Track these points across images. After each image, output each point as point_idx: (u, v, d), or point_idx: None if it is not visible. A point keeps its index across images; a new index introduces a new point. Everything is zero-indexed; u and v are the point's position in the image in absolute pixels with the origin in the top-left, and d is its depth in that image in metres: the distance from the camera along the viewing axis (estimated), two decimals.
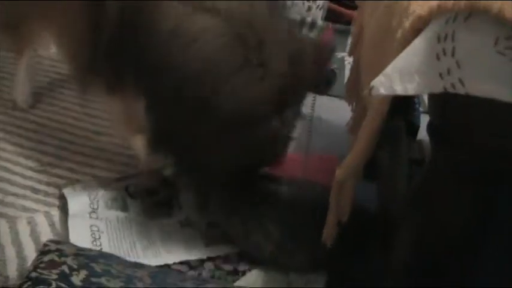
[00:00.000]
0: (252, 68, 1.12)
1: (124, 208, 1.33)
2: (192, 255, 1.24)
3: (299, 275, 1.21)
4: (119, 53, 1.21)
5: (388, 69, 0.72)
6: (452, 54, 0.71)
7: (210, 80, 1.11)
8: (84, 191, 1.34)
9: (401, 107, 1.35)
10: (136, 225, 1.29)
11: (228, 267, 1.23)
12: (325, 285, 1.19)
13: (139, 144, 1.43)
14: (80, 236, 1.22)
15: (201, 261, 1.23)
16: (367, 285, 1.12)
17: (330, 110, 1.62)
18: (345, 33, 2.12)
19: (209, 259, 1.24)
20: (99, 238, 1.23)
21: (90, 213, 1.28)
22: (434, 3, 0.70)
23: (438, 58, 0.71)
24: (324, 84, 1.45)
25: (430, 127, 0.89)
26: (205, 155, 1.20)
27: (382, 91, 0.72)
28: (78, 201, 1.31)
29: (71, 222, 1.25)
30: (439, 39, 0.71)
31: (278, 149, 1.25)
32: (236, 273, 1.22)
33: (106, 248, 1.21)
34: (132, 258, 1.19)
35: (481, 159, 0.82)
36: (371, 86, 0.73)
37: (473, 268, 0.88)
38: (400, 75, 0.71)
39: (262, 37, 1.13)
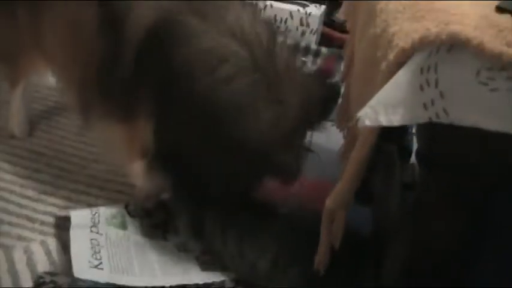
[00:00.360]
0: (273, 104, 1.15)
1: (123, 226, 1.34)
2: (188, 280, 1.24)
3: None
4: (139, 76, 1.23)
5: (373, 101, 0.73)
6: (436, 85, 0.73)
7: (234, 109, 1.14)
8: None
9: (394, 131, 1.36)
10: (134, 244, 1.30)
11: None
12: None
13: (137, 171, 1.45)
14: (80, 248, 1.23)
15: (197, 287, 1.23)
16: None
17: (323, 135, 1.63)
18: (338, 58, 2.13)
19: (205, 285, 1.24)
20: (99, 252, 1.24)
21: (91, 227, 1.29)
22: (417, 36, 0.72)
23: (422, 89, 0.73)
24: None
25: (418, 154, 0.90)
26: (210, 180, 1.22)
27: (368, 123, 0.73)
28: (80, 214, 1.33)
29: (72, 234, 1.26)
30: (422, 71, 0.73)
31: (287, 178, 1.26)
32: None
33: (105, 263, 1.22)
34: (129, 276, 1.21)
35: (468, 183, 0.83)
36: (357, 117, 0.74)
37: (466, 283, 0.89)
38: (385, 107, 0.73)
39: (281, 74, 1.16)
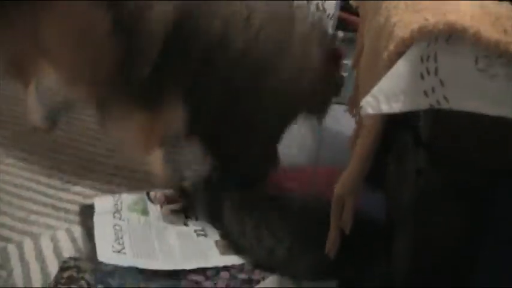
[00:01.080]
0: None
1: (144, 212, 1.39)
2: (208, 263, 1.28)
3: (311, 282, 1.24)
4: (166, 68, 1.29)
5: (375, 90, 0.76)
6: (436, 74, 0.75)
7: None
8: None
9: (408, 118, 1.38)
10: (155, 229, 1.34)
11: (242, 276, 1.27)
12: None
13: (157, 160, 1.49)
14: (104, 234, 1.28)
15: (217, 271, 1.27)
16: None
17: (338, 119, 1.65)
18: (354, 41, 2.14)
19: (224, 268, 1.28)
20: (122, 237, 1.29)
21: (114, 213, 1.35)
22: (416, 26, 0.74)
23: (422, 77, 0.76)
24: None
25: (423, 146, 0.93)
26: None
27: (370, 111, 0.76)
28: (104, 200, 1.38)
29: (96, 220, 1.31)
30: (422, 60, 0.75)
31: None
32: (250, 283, 1.25)
33: (128, 248, 1.26)
34: (151, 260, 1.25)
35: (470, 176, 0.86)
36: (360, 106, 0.77)
37: (470, 274, 0.92)
38: (386, 96, 0.75)
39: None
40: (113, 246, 1.25)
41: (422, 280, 0.94)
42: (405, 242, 0.98)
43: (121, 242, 1.27)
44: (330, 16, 2.38)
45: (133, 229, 1.32)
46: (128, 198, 1.40)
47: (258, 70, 1.28)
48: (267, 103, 1.29)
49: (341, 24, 2.42)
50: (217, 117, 1.33)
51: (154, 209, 1.41)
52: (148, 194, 1.44)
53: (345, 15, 2.40)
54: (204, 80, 1.30)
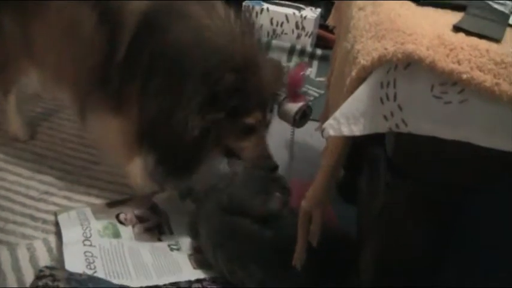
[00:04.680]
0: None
1: (116, 235, 1.40)
2: (181, 277, 1.31)
3: None
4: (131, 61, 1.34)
5: (337, 113, 0.81)
6: (395, 99, 0.80)
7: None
8: (77, 220, 1.41)
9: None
10: (128, 249, 1.36)
11: (215, 287, 1.29)
12: None
13: (134, 170, 1.52)
14: (74, 262, 1.28)
15: (190, 283, 1.30)
16: None
17: (311, 134, 1.69)
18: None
19: (197, 281, 1.30)
20: (93, 262, 1.29)
21: (83, 241, 1.34)
22: (376, 54, 0.79)
23: (382, 102, 0.81)
24: (300, 117, 1.53)
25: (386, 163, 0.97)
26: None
27: (332, 133, 0.81)
28: (72, 231, 1.37)
29: (65, 250, 1.31)
30: (382, 86, 0.80)
31: None
32: None
33: (100, 271, 1.27)
34: (125, 279, 1.26)
35: (431, 190, 0.90)
36: (322, 128, 0.81)
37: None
38: (347, 119, 0.80)
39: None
40: (83, 272, 1.25)
41: None
42: (372, 253, 1.02)
43: (93, 267, 1.28)
44: (309, 34, 2.44)
45: (105, 253, 1.33)
46: (97, 224, 1.40)
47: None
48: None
49: (320, 42, 2.48)
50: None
51: (126, 230, 1.42)
52: (118, 216, 1.45)
53: (324, 32, 2.46)
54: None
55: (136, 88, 1.35)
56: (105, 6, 1.37)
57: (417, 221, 0.95)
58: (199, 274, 1.32)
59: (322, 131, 0.82)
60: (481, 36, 0.81)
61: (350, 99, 0.81)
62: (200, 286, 1.30)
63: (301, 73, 1.50)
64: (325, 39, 2.45)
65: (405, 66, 0.79)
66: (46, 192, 1.53)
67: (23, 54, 1.54)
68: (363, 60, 0.80)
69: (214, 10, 1.34)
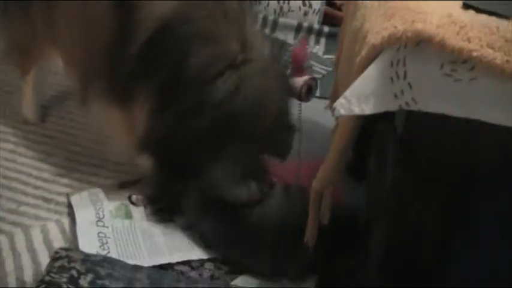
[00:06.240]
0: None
1: (128, 216, 1.42)
2: (193, 256, 1.33)
3: (291, 282, 1.28)
4: (143, 65, 1.33)
5: (347, 92, 0.81)
6: (405, 77, 0.80)
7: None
8: (89, 201, 1.43)
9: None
10: (140, 229, 1.38)
11: (226, 267, 1.31)
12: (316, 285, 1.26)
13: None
14: (88, 243, 1.30)
15: (202, 262, 1.32)
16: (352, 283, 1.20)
17: (322, 113, 1.68)
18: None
19: (209, 260, 1.33)
20: (107, 243, 1.32)
21: (96, 221, 1.37)
22: (386, 33, 0.79)
23: (392, 81, 0.81)
24: (306, 92, 1.52)
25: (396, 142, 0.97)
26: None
27: (342, 112, 0.81)
28: (85, 212, 1.39)
29: (79, 231, 1.33)
30: (392, 64, 0.80)
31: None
32: (234, 273, 1.30)
33: (113, 251, 1.29)
34: (138, 259, 1.28)
35: (441, 170, 0.91)
36: (333, 107, 0.82)
37: (440, 266, 0.97)
38: (358, 98, 0.80)
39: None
40: (97, 253, 1.27)
41: (393, 273, 0.99)
42: (381, 232, 1.03)
43: (106, 248, 1.30)
44: (316, 11, 2.42)
45: (118, 233, 1.35)
46: (109, 205, 1.42)
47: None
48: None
49: (327, 19, 2.47)
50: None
51: (138, 211, 1.44)
52: (130, 197, 1.47)
53: (331, 10, 2.45)
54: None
55: (149, 92, 1.35)
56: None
57: (426, 200, 0.96)
58: (211, 254, 1.34)
59: (333, 110, 0.83)
60: (491, 13, 0.80)
61: (360, 78, 0.81)
62: (212, 265, 1.32)
63: (305, 48, 1.49)
64: (332, 17, 2.44)
65: (415, 45, 0.79)
66: (58, 174, 1.54)
67: (46, 37, 1.55)
68: (373, 39, 0.80)
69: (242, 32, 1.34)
